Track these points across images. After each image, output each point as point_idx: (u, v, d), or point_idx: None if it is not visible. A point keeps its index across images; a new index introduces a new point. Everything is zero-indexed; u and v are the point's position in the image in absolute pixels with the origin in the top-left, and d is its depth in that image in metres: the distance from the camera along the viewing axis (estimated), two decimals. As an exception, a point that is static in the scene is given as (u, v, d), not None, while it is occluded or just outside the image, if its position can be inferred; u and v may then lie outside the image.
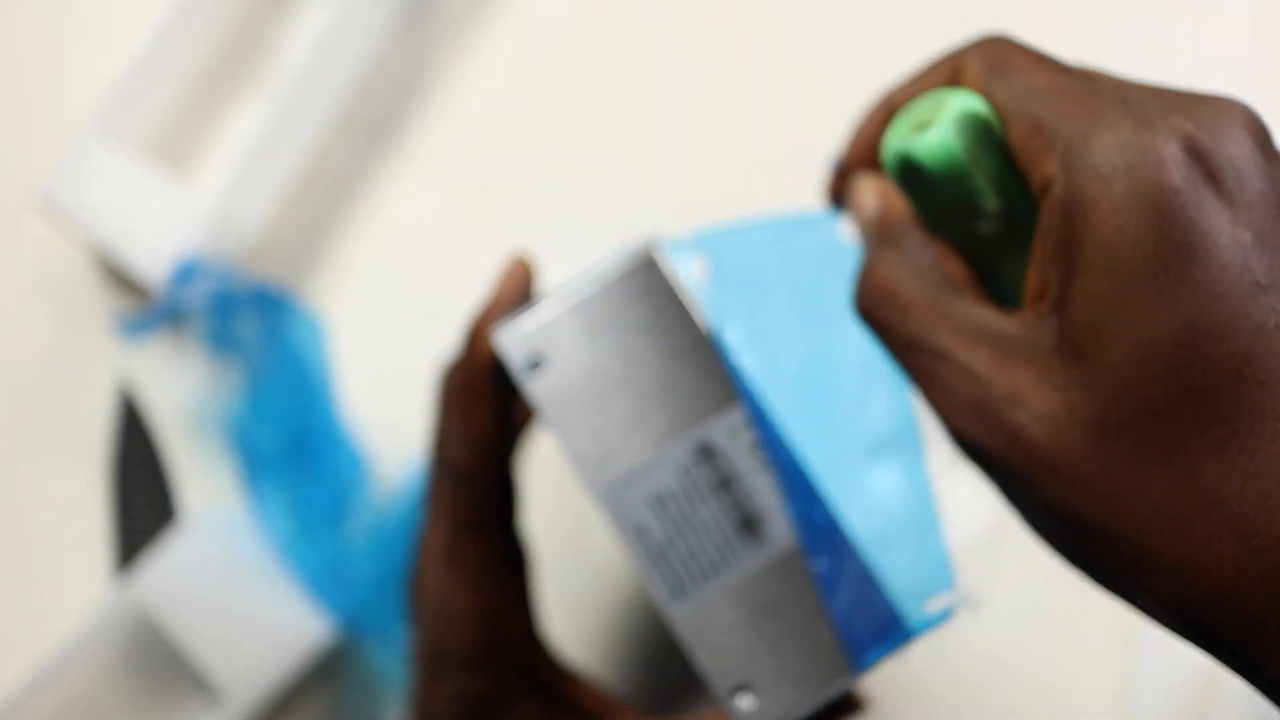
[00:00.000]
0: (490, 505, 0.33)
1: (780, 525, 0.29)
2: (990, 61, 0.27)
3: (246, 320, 0.50)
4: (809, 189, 0.56)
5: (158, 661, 0.50)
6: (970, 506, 0.51)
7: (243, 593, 0.48)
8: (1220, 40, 0.56)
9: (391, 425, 0.53)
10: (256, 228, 0.54)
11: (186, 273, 0.49)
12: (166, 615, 0.47)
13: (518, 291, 0.33)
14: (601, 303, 0.30)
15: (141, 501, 0.53)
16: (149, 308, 0.49)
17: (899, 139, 0.27)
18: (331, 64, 0.54)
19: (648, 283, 0.30)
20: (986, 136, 0.26)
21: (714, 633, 0.29)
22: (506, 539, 0.34)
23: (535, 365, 0.30)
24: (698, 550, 0.29)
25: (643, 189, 0.56)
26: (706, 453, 0.29)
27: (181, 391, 0.55)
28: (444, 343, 0.54)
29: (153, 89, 0.54)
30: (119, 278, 0.56)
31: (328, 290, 0.55)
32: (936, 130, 0.26)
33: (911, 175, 0.27)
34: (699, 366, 0.29)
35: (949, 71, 0.28)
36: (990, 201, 0.27)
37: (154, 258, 0.51)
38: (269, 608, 0.48)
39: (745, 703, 0.29)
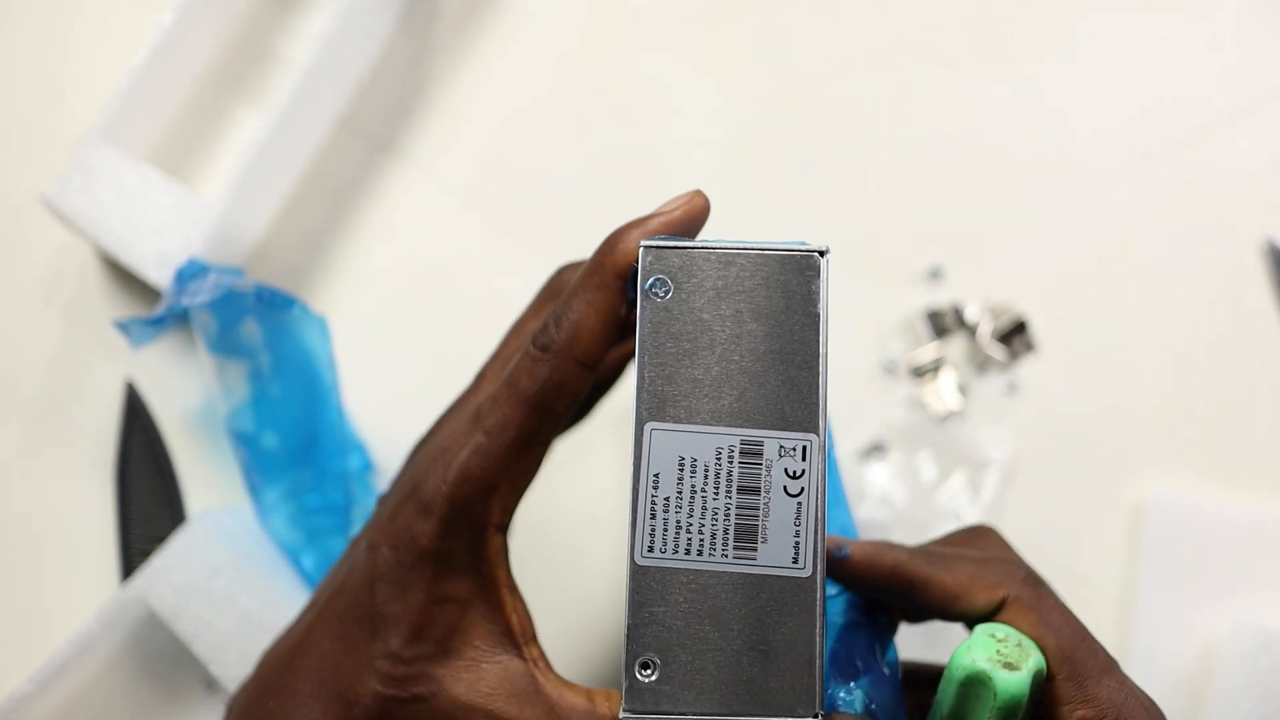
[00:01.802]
0: (559, 394, 0.32)
1: (769, 554, 0.30)
2: (1038, 619, 0.34)
3: (251, 322, 0.50)
4: (805, 191, 0.56)
5: (164, 659, 0.51)
6: (965, 511, 0.52)
7: (248, 591, 0.48)
8: (1212, 43, 0.57)
9: (395, 426, 0.53)
10: (260, 232, 0.54)
11: (190, 274, 0.49)
12: (173, 614, 0.48)
13: (681, 220, 0.33)
14: (746, 272, 0.30)
15: (148, 501, 0.53)
16: (155, 311, 0.49)
17: (986, 663, 0.32)
18: (333, 70, 0.54)
19: (797, 282, 0.30)
20: (1038, 686, 0.33)
21: (655, 603, 0.30)
22: (546, 435, 0.33)
23: (659, 288, 0.30)
24: (689, 527, 0.30)
25: (642, 193, 0.56)
26: (751, 453, 0.30)
27: (187, 393, 0.55)
28: (447, 345, 0.55)
29: (157, 95, 0.55)
30: (126, 282, 0.56)
31: (330, 294, 0.56)
32: (1020, 676, 0.32)
33: (973, 686, 0.33)
34: (792, 381, 0.30)
35: (996, 596, 0.34)
36: None
37: (159, 262, 0.51)
38: (274, 606, 0.48)
39: (645, 675, 0.29)
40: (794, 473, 0.30)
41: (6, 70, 0.60)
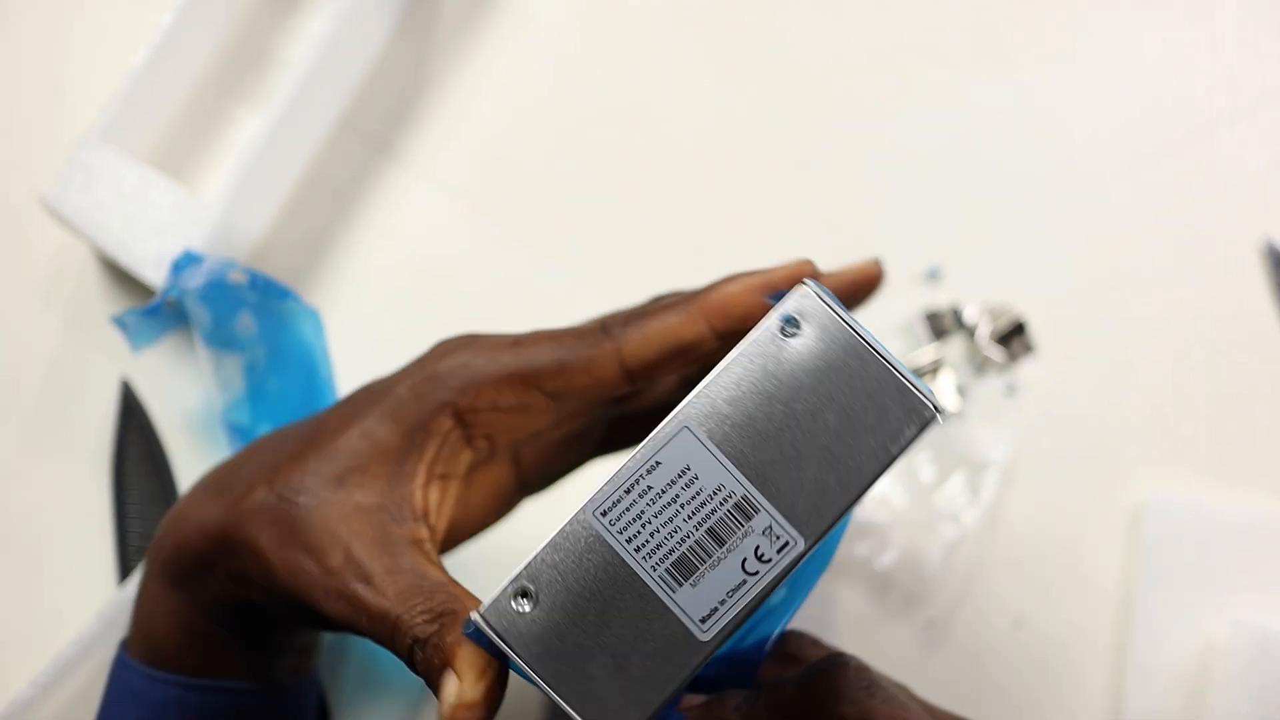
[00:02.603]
0: (583, 374, 0.33)
1: (688, 600, 0.29)
2: None
3: (246, 315, 0.50)
4: (804, 191, 0.56)
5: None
6: (964, 512, 0.52)
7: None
8: (1213, 43, 0.57)
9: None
10: (259, 233, 0.54)
11: (184, 264, 0.49)
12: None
13: (849, 285, 0.32)
14: (861, 372, 0.30)
15: (145, 501, 0.53)
16: (152, 302, 0.49)
17: None
18: (333, 71, 0.54)
19: (896, 414, 0.29)
20: None
21: (571, 558, 0.29)
22: (545, 398, 0.34)
23: (791, 327, 0.30)
24: (646, 525, 0.29)
25: (641, 193, 0.56)
26: (742, 511, 0.29)
27: (185, 393, 0.55)
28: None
29: (157, 96, 0.55)
30: (125, 283, 0.56)
31: (330, 294, 0.56)
32: None
33: None
34: (823, 485, 0.29)
35: None
36: None
37: (158, 263, 0.51)
38: None
39: (517, 603, 0.29)
40: (763, 555, 0.29)
41: (6, 70, 0.60)
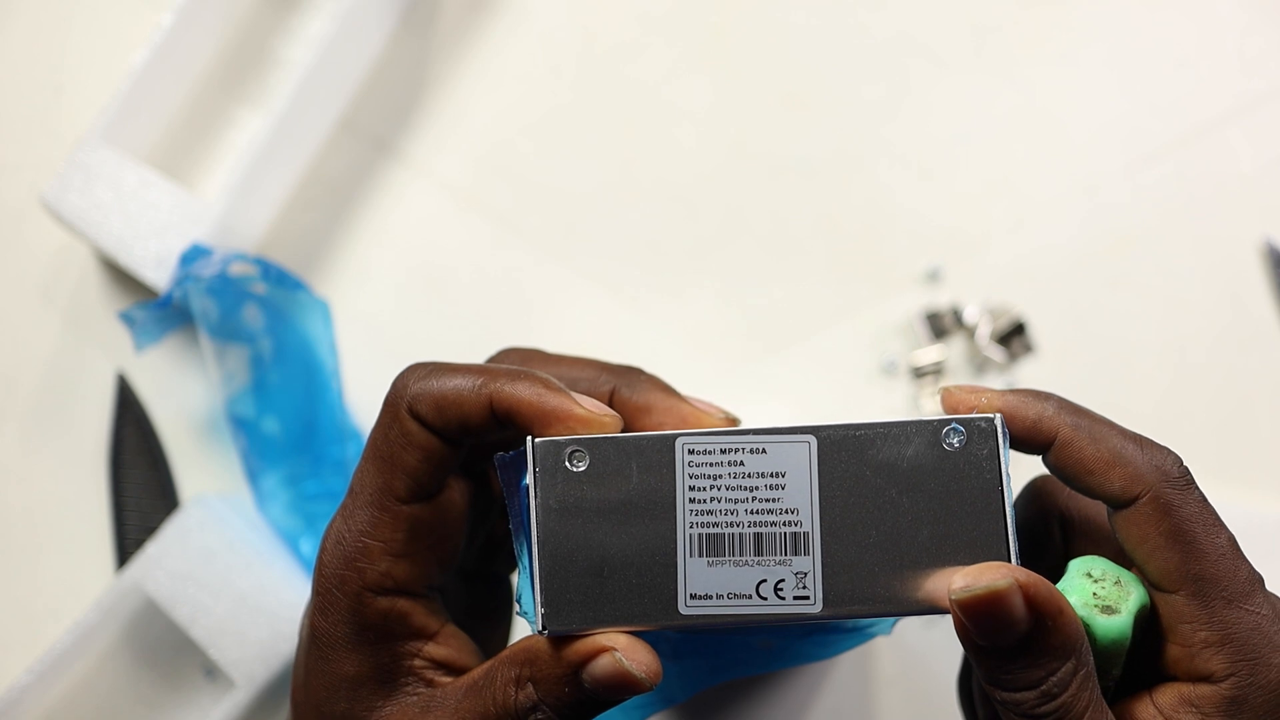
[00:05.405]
0: (404, 445, 0.31)
1: (699, 571, 0.29)
2: (1169, 530, 0.31)
3: (253, 307, 0.50)
4: (803, 190, 0.56)
5: (164, 647, 0.51)
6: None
7: (244, 574, 0.48)
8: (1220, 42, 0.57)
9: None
10: (259, 233, 0.54)
11: (193, 257, 0.50)
12: (170, 599, 0.48)
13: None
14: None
15: (142, 493, 0.54)
16: (161, 295, 0.49)
17: (1082, 609, 0.30)
18: (333, 71, 0.54)
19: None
20: (1144, 623, 0.31)
21: (634, 454, 0.29)
22: (402, 491, 0.31)
23: (956, 438, 0.30)
24: (713, 482, 0.29)
25: (640, 191, 0.56)
26: (798, 540, 0.29)
27: (182, 387, 0.55)
28: (446, 342, 0.55)
29: (157, 96, 0.55)
30: (125, 282, 0.57)
31: (330, 294, 0.56)
32: (1119, 621, 0.30)
33: None
34: (876, 566, 0.29)
35: (1131, 490, 0.31)
36: (1118, 671, 0.31)
37: (158, 263, 0.51)
38: (270, 588, 0.48)
39: (571, 461, 0.29)
40: (781, 590, 0.29)
41: (6, 70, 0.60)
